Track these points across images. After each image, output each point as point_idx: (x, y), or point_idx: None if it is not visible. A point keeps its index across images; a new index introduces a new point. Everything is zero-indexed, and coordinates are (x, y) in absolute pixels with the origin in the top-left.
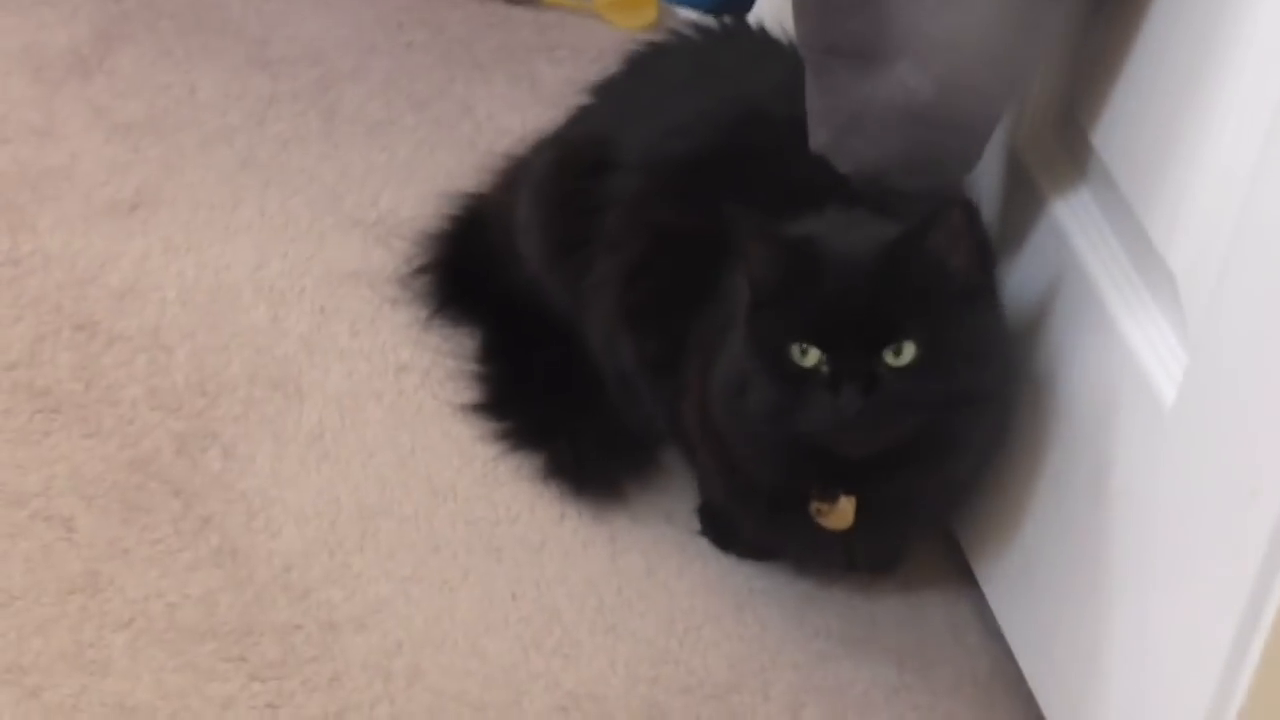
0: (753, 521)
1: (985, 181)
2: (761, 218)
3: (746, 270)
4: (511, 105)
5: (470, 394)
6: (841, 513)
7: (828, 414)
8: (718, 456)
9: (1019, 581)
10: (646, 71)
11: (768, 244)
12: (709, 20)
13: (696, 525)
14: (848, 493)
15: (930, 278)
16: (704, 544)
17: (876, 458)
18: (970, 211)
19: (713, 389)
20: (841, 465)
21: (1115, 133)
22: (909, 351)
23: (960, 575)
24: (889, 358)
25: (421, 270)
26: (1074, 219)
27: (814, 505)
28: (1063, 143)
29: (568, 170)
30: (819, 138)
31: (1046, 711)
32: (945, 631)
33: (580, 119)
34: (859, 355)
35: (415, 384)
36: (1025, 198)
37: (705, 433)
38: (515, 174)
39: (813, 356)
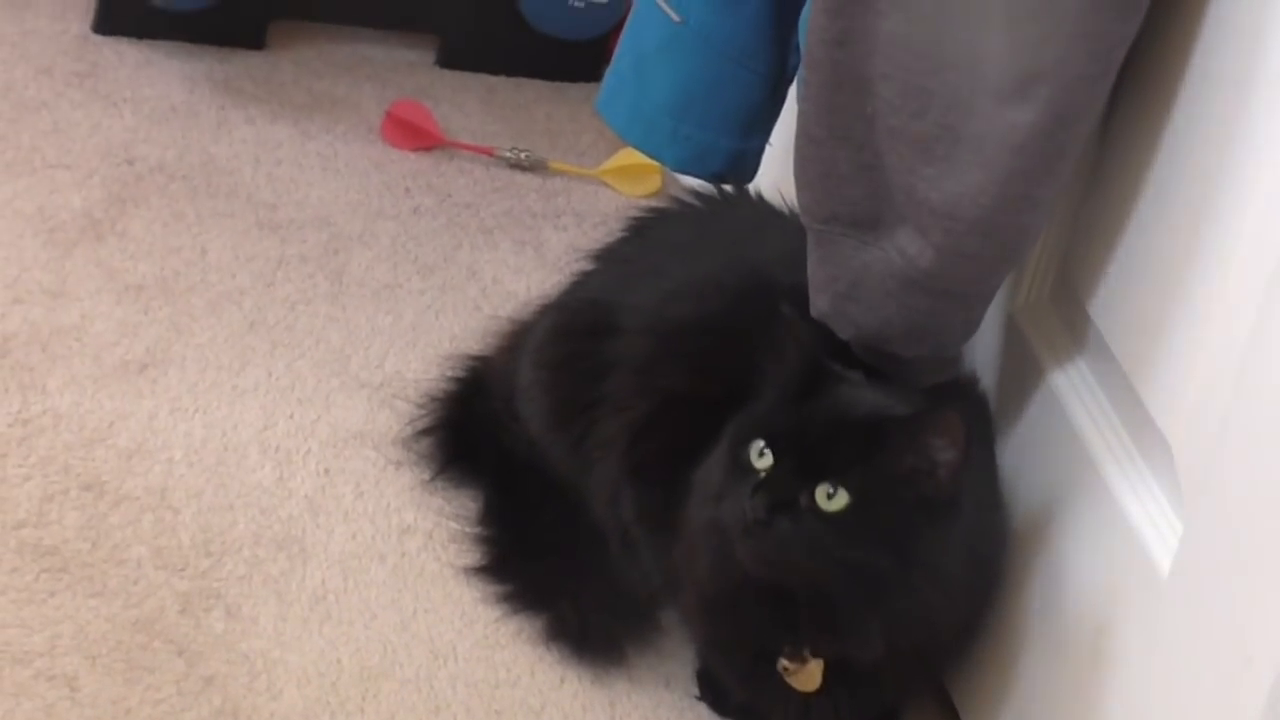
0: (733, 680)
1: (983, 349)
2: (809, 324)
3: (773, 357)
4: (516, 270)
5: (473, 556)
6: (809, 674)
7: (737, 511)
8: (697, 600)
9: None
10: (648, 237)
11: (800, 342)
12: (710, 188)
13: (695, 690)
14: (814, 654)
15: (902, 459)
16: (703, 709)
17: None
18: (968, 426)
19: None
20: (773, 606)
21: (1111, 303)
22: (840, 499)
23: None
24: (821, 497)
25: (425, 432)
26: (1070, 387)
27: (781, 664)
28: (1060, 312)
29: (568, 335)
30: (819, 304)
31: None
32: None
33: (581, 284)
34: (794, 476)
35: (418, 546)
36: (1022, 365)
37: (689, 571)
38: (518, 338)
39: (765, 461)
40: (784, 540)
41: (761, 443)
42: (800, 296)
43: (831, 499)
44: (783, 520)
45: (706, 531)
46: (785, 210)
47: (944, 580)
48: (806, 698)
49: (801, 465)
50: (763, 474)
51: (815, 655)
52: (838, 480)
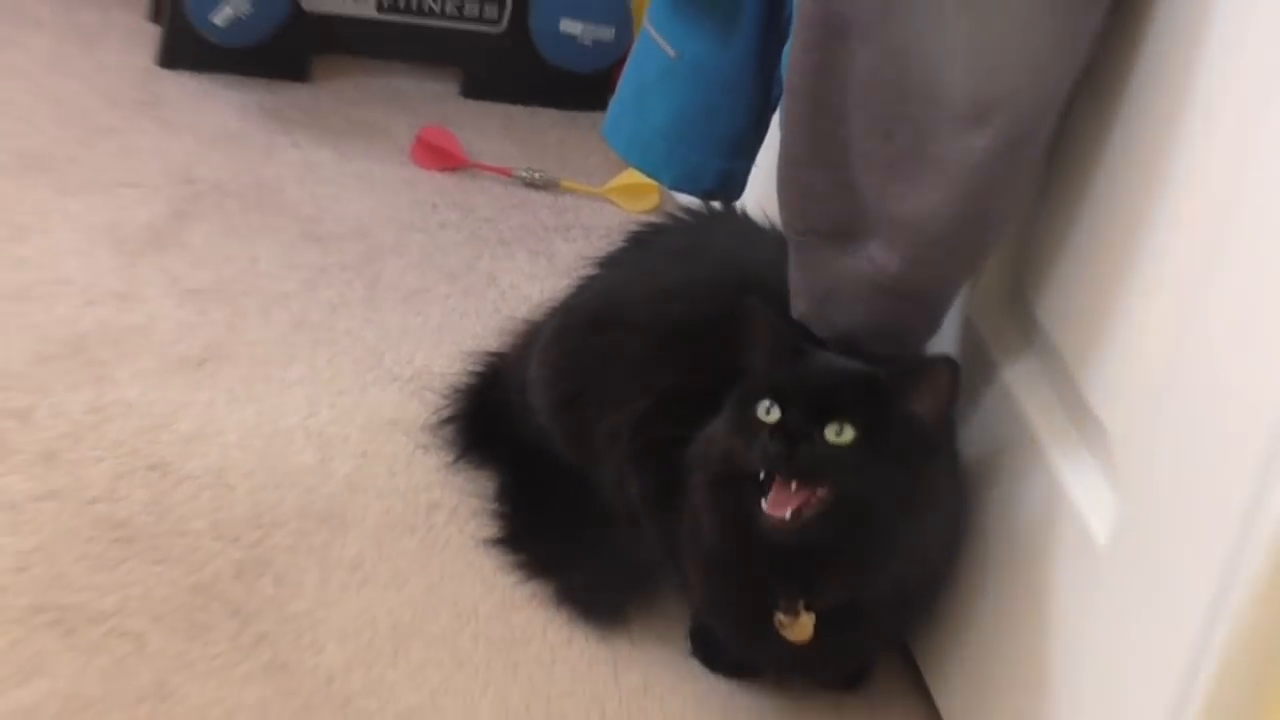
0: (730, 635)
1: (943, 347)
2: (772, 311)
3: (750, 349)
4: (531, 276)
5: (491, 529)
6: (801, 626)
7: (755, 454)
8: (699, 563)
9: (971, 701)
10: (646, 246)
11: (771, 328)
12: (701, 205)
13: (689, 648)
14: (807, 608)
15: (897, 407)
16: (695, 664)
17: (811, 561)
18: (955, 375)
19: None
20: (782, 563)
21: (1057, 308)
22: (848, 434)
23: (920, 695)
24: (830, 435)
25: (450, 420)
26: (1020, 380)
27: (777, 618)
28: (1011, 315)
29: (569, 334)
30: (799, 307)
31: None
32: None
33: (584, 287)
34: (803, 422)
35: (444, 520)
36: (978, 362)
37: (692, 538)
38: (530, 336)
39: (773, 415)
40: (806, 466)
41: (768, 401)
42: (781, 299)
43: (840, 435)
44: (801, 448)
45: (714, 489)
46: (767, 225)
47: (935, 518)
48: (796, 651)
49: (808, 412)
50: (773, 424)
51: (810, 608)
52: (843, 420)
